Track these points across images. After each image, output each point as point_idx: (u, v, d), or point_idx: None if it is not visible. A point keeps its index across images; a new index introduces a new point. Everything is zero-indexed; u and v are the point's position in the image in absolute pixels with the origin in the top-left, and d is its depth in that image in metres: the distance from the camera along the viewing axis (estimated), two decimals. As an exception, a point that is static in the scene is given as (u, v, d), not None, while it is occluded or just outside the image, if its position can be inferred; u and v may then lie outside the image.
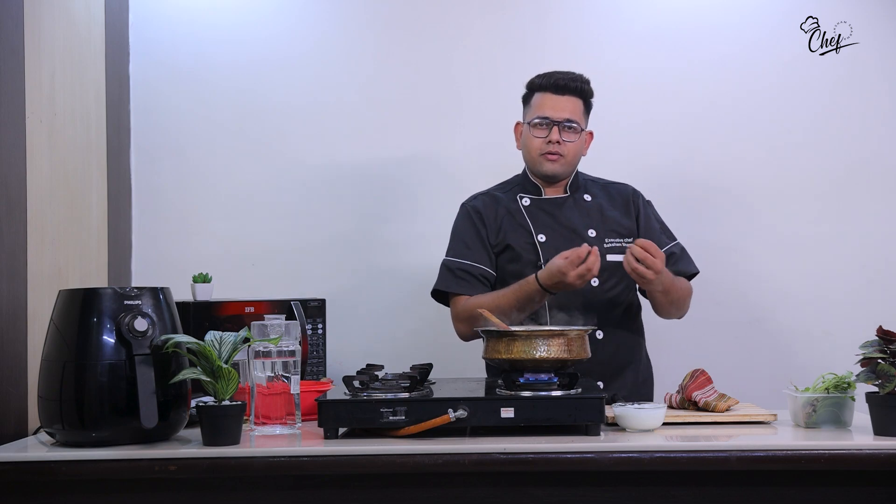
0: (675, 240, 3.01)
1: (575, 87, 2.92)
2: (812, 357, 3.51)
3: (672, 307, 2.91)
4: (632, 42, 3.62)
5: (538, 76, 2.97)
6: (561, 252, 2.73)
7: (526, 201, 2.98)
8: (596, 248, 2.68)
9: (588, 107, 2.97)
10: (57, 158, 2.87)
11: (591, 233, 2.93)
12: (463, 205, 3.04)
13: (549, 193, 2.99)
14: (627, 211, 2.98)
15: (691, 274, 2.98)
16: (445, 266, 2.96)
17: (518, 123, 3.02)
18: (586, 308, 2.78)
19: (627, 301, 2.95)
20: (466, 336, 2.94)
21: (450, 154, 3.63)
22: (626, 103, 3.53)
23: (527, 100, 2.99)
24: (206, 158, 3.62)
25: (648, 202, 3.05)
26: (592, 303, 2.84)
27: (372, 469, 2.16)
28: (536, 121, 2.91)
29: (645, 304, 3.01)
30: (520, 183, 3.03)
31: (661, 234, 2.99)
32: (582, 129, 2.93)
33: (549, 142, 2.89)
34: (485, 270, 2.93)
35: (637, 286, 2.94)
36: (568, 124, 2.90)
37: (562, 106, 2.90)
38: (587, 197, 2.99)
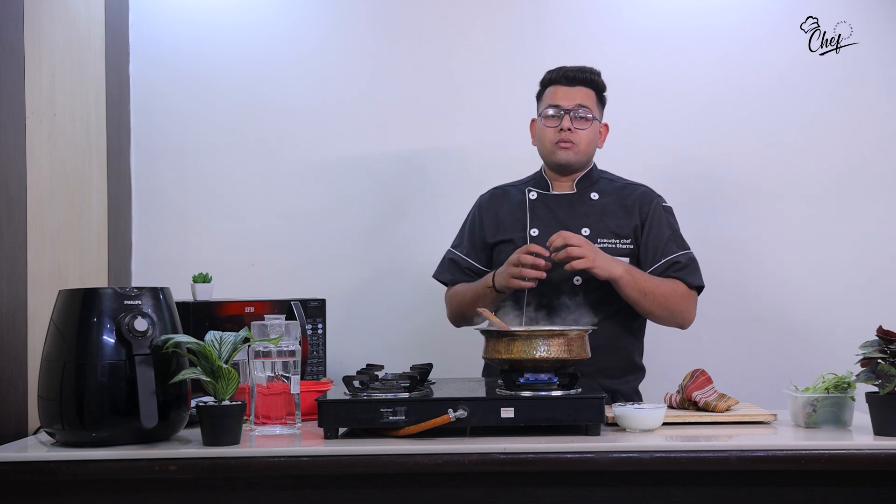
0: (687, 249, 2.95)
1: (584, 77, 2.95)
2: (812, 357, 3.50)
3: (647, 303, 2.83)
4: (632, 42, 3.62)
5: (549, 71, 2.99)
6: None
7: (533, 195, 3.00)
8: (543, 251, 2.74)
9: (601, 100, 2.99)
10: (57, 158, 2.87)
11: (585, 231, 2.92)
12: (479, 197, 3.11)
13: (557, 189, 3.00)
14: (632, 214, 2.95)
15: (695, 286, 2.93)
16: (445, 254, 3.09)
17: (533, 120, 3.03)
18: (566, 306, 2.79)
19: (617, 306, 2.90)
20: (451, 321, 3.08)
21: (450, 154, 3.63)
22: (625, 103, 3.51)
23: (539, 95, 3.01)
24: (206, 158, 3.62)
25: (667, 208, 3.00)
26: (573, 301, 2.83)
27: (372, 469, 2.16)
28: (548, 111, 2.93)
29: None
30: (533, 178, 3.06)
31: (670, 241, 2.94)
32: (594, 118, 2.94)
33: (561, 129, 2.91)
34: (470, 263, 3.03)
35: None
36: (579, 113, 2.91)
37: (572, 95, 2.93)
38: (594, 195, 2.99)
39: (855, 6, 3.58)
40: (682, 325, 2.96)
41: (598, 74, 2.98)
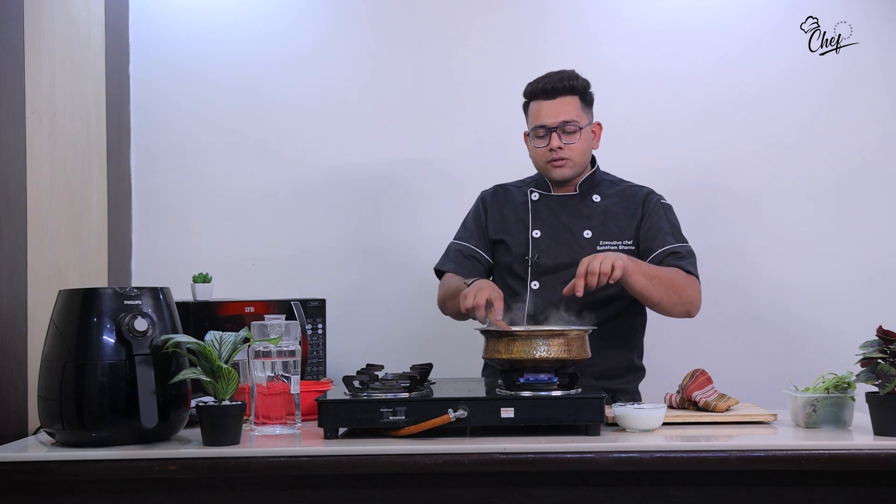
0: (685, 243, 2.93)
1: (564, 86, 2.90)
2: (812, 357, 3.51)
3: (654, 290, 2.77)
4: (632, 42, 3.62)
5: (529, 84, 2.96)
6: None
7: (535, 196, 3.00)
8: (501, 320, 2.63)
9: (587, 99, 2.94)
10: (57, 158, 2.87)
11: (587, 234, 2.93)
12: (480, 192, 3.11)
13: (559, 191, 3.00)
14: (634, 214, 2.95)
15: (693, 275, 2.90)
16: (449, 246, 3.07)
17: (525, 133, 3.01)
18: (569, 307, 2.79)
19: (617, 308, 2.92)
20: (439, 307, 3.04)
21: (450, 155, 3.64)
22: (625, 103, 3.53)
23: (525, 109, 2.99)
24: (206, 158, 3.63)
25: (667, 206, 2.99)
26: (576, 302, 2.81)
27: (372, 469, 2.16)
28: (535, 131, 2.92)
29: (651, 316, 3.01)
30: (534, 179, 3.05)
31: (668, 234, 2.92)
32: (582, 127, 2.91)
33: (551, 149, 2.90)
34: (475, 251, 3.01)
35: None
36: (566, 129, 2.89)
37: (556, 110, 2.89)
38: (596, 198, 2.98)
39: (855, 6, 3.58)
40: (691, 312, 2.89)
41: (577, 77, 2.92)
